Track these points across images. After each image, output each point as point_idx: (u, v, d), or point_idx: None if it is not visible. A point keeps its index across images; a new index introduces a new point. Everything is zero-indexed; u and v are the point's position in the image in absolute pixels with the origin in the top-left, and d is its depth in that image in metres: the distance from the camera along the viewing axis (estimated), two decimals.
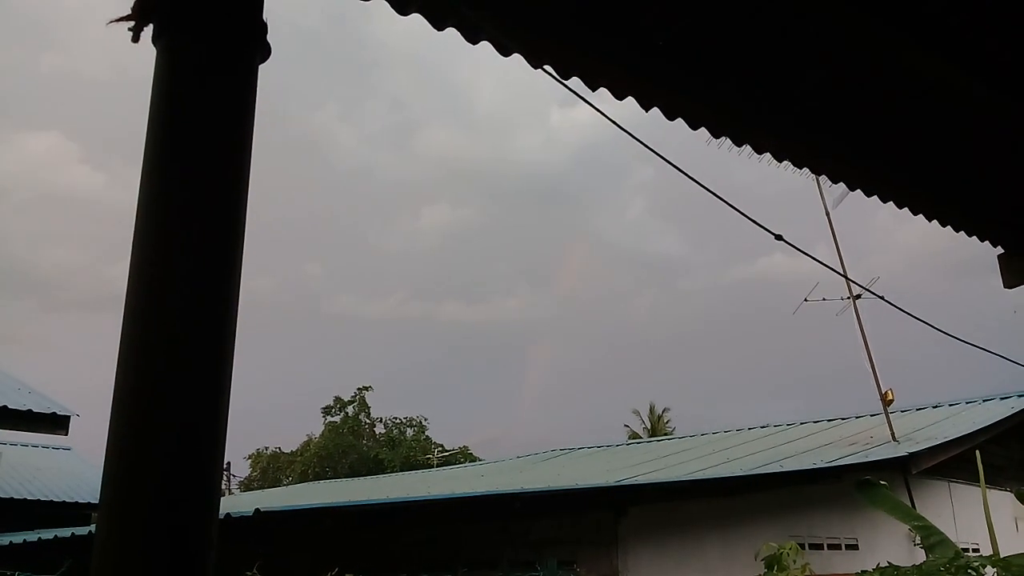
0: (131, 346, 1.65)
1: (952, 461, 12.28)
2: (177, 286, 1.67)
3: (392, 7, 2.64)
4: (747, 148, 3.66)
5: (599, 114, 3.34)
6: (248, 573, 7.17)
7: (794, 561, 7.70)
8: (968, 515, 11.95)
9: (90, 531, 9.86)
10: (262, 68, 1.91)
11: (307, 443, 46.04)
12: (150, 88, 1.80)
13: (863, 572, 7.06)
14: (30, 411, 13.19)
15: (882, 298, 6.65)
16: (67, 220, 65.27)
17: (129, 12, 1.86)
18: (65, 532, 10.42)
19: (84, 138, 67.03)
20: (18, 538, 11.11)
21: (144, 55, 1.83)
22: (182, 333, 1.65)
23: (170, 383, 1.62)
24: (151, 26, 1.83)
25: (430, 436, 45.94)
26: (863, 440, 13.48)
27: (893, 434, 13.13)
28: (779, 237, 4.08)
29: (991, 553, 8.03)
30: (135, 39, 1.85)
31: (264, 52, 1.91)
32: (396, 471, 35.93)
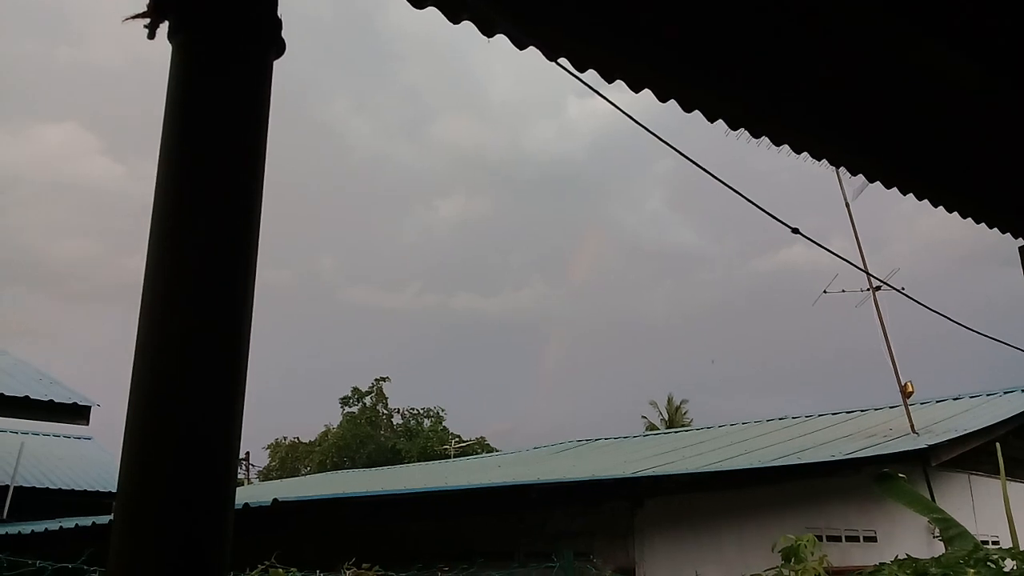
0: (148, 338, 1.67)
1: (972, 453, 12.18)
2: (193, 278, 1.69)
3: (408, 0, 2.63)
4: (765, 139, 3.64)
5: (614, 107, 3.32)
6: (266, 562, 7.23)
7: (812, 553, 7.67)
8: (988, 508, 11.87)
9: (111, 520, 9.96)
10: (278, 60, 1.92)
11: (325, 433, 46.40)
12: (166, 82, 1.82)
13: (882, 564, 7.03)
14: (52, 401, 13.32)
15: (900, 291, 6.59)
16: (82, 211, 65.82)
17: (145, 9, 1.87)
18: (86, 521, 10.54)
19: (99, 129, 67.52)
20: (40, 527, 11.25)
21: (160, 46, 1.85)
22: (198, 325, 1.66)
23: (186, 375, 1.64)
24: (167, 23, 1.84)
25: (447, 427, 46.15)
26: (882, 432, 13.39)
27: (913, 426, 13.04)
28: (796, 230, 4.05)
29: (1011, 546, 7.99)
30: (151, 36, 1.86)
31: (279, 48, 1.92)
32: (413, 462, 36.11)
